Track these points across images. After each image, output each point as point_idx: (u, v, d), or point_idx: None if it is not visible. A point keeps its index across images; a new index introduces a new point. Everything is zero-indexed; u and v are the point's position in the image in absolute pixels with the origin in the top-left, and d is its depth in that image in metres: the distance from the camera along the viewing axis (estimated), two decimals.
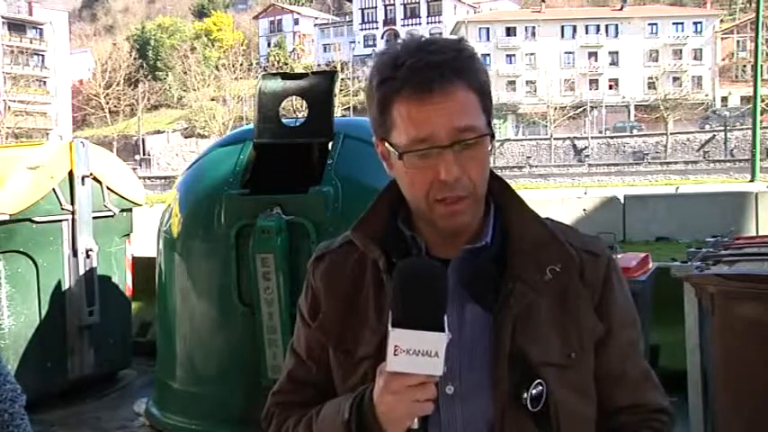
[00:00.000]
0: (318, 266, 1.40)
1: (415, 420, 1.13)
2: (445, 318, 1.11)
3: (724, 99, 69.18)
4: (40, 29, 78.15)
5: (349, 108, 65.50)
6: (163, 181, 49.59)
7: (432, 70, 1.18)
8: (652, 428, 1.34)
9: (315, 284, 1.39)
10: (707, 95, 69.15)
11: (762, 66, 34.16)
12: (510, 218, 1.30)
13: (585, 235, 1.38)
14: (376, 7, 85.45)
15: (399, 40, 1.27)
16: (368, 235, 1.31)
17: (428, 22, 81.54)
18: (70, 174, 5.70)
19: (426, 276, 1.13)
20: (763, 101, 37.95)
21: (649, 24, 72.72)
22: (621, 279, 1.37)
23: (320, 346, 1.37)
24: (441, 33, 73.47)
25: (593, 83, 71.51)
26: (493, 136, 1.25)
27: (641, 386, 1.36)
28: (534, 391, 1.21)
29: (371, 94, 1.25)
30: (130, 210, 6.33)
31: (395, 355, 1.10)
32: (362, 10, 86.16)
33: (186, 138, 73.54)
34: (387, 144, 1.25)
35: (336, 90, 4.77)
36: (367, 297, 1.31)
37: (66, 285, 5.68)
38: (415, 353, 1.09)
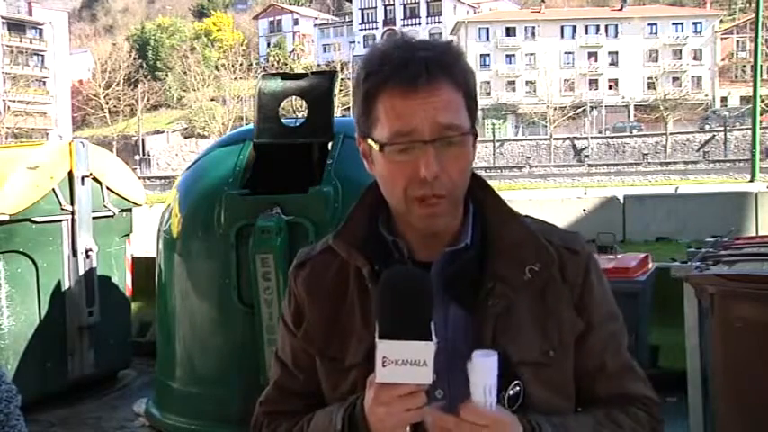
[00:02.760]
0: (300, 274, 1.39)
1: (407, 428, 1.13)
2: (432, 325, 1.10)
3: (724, 99, 69.17)
4: (40, 29, 78.12)
5: (349, 108, 65.33)
6: (163, 181, 49.50)
7: (418, 65, 1.17)
8: (629, 413, 1.30)
9: (297, 292, 1.38)
10: (706, 96, 69.14)
11: (761, 66, 34.16)
12: (489, 218, 1.30)
13: (564, 231, 1.37)
14: (376, 7, 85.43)
15: (394, 37, 1.27)
16: (350, 242, 1.30)
17: (428, 22, 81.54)
18: (70, 174, 5.70)
19: (411, 286, 1.12)
20: (762, 101, 37.94)
21: (649, 24, 72.69)
22: (601, 274, 1.36)
23: (306, 355, 1.36)
24: (440, 33, 73.43)
25: (593, 83, 71.48)
26: (476, 137, 1.24)
27: (622, 376, 1.34)
28: (512, 392, 1.21)
29: (358, 89, 1.24)
30: (130, 210, 6.33)
31: (383, 366, 1.09)
32: (362, 10, 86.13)
33: (186, 138, 73.52)
34: (369, 140, 1.24)
35: (336, 90, 4.77)
36: (352, 304, 1.31)
37: (65, 285, 5.68)
38: (404, 363, 1.09)
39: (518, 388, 1.21)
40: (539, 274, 1.26)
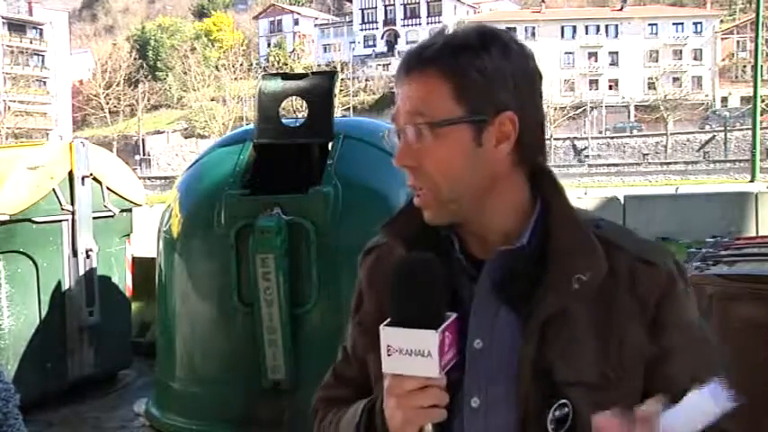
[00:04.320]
0: (365, 262, 1.35)
1: (429, 427, 1.06)
2: (445, 315, 1.05)
3: (724, 99, 69.19)
4: (40, 29, 78.15)
5: (349, 108, 65.51)
6: (163, 181, 49.53)
7: (406, 58, 1.20)
8: None
9: (361, 279, 1.35)
10: (707, 96, 69.16)
11: (762, 66, 34.09)
12: (553, 219, 1.19)
13: (646, 241, 1.23)
14: (376, 7, 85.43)
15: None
16: (395, 233, 1.25)
17: (428, 23, 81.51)
18: (70, 174, 5.71)
19: (415, 271, 1.06)
20: (763, 101, 37.91)
21: (649, 25, 72.74)
22: (689, 293, 1.21)
23: (362, 344, 1.31)
24: None
25: (593, 83, 71.51)
26: (441, 124, 1.13)
27: None
28: (558, 413, 1.10)
29: None
30: (130, 210, 6.34)
31: (388, 355, 1.04)
32: (362, 10, 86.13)
33: (186, 138, 73.54)
34: None
35: (336, 90, 4.77)
36: None
37: (66, 286, 5.68)
38: (408, 353, 1.03)
39: (566, 409, 1.10)
40: (588, 285, 1.13)
